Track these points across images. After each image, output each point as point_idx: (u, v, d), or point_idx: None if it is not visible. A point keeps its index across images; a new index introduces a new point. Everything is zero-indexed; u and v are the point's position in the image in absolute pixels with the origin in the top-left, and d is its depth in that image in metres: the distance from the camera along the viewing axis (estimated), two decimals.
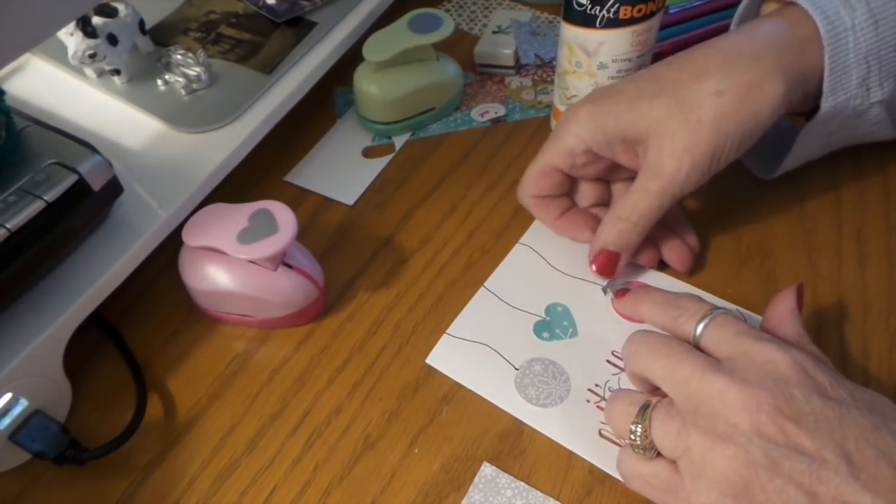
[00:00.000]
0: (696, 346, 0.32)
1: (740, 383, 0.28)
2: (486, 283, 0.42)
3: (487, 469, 0.35)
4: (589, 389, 0.37)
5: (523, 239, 0.44)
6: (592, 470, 0.35)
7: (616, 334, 0.39)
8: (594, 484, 0.34)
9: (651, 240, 0.41)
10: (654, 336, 0.33)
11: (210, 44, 0.51)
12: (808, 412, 0.28)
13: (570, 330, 0.40)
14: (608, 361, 0.38)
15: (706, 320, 0.32)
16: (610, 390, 0.37)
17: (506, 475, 0.35)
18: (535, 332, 0.40)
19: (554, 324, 0.40)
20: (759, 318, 0.40)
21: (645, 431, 0.31)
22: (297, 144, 0.51)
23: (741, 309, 0.40)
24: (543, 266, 0.43)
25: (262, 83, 0.48)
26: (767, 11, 0.42)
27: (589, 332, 0.40)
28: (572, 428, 0.36)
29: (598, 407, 0.37)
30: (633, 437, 0.31)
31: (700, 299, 0.34)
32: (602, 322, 0.40)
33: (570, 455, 0.35)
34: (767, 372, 0.29)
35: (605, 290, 0.41)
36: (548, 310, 0.41)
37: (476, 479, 0.35)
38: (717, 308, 0.33)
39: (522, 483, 0.34)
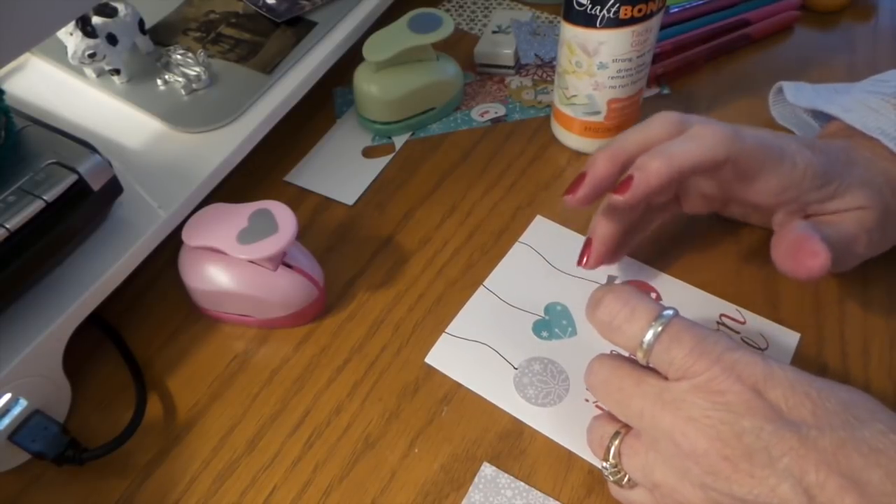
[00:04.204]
0: (646, 355, 0.30)
1: (685, 423, 0.27)
2: (485, 283, 0.42)
3: (487, 469, 0.35)
4: (588, 389, 0.37)
5: (523, 238, 0.44)
6: (592, 470, 0.35)
7: None
8: (594, 484, 0.34)
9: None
10: (605, 366, 0.31)
11: (210, 43, 0.51)
12: (761, 447, 0.26)
13: (570, 329, 0.40)
14: None
15: (654, 329, 0.29)
16: None
17: (506, 475, 0.35)
18: (535, 332, 0.40)
19: (553, 323, 0.40)
20: (760, 318, 0.40)
21: (616, 466, 0.31)
22: (297, 144, 0.51)
23: (741, 309, 0.40)
24: (543, 265, 0.43)
25: (262, 83, 0.48)
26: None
27: (588, 331, 0.39)
28: (571, 427, 0.36)
29: (598, 406, 0.37)
30: (606, 472, 0.31)
31: (632, 296, 0.31)
32: None
33: (570, 455, 0.35)
34: (716, 404, 0.27)
35: None
36: (547, 309, 0.41)
37: (476, 479, 0.35)
38: (663, 312, 0.30)
39: (522, 483, 0.34)
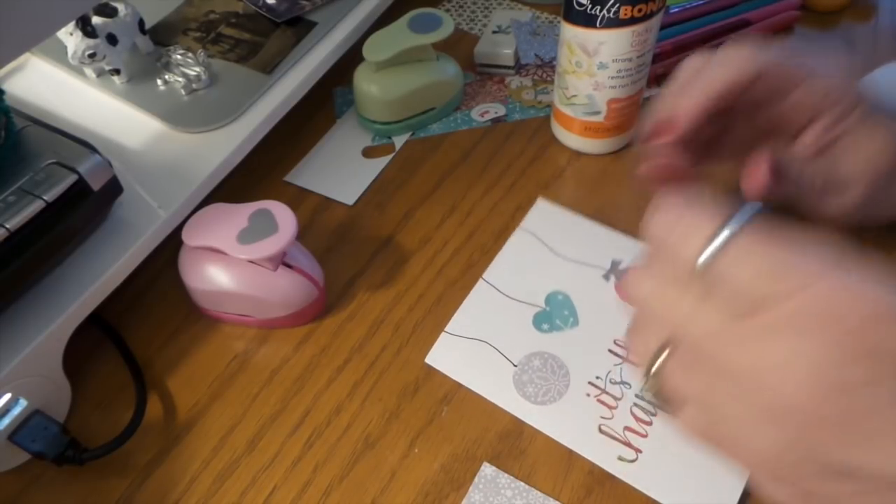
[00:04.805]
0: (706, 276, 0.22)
1: (768, 370, 0.21)
2: (484, 275, 0.42)
3: (487, 469, 0.35)
4: (589, 382, 0.37)
5: (523, 224, 0.44)
6: (592, 470, 0.35)
7: (618, 321, 0.39)
8: (594, 484, 0.34)
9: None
10: (648, 281, 0.25)
11: (210, 43, 0.51)
12: (868, 406, 0.20)
13: (571, 319, 0.40)
14: (610, 351, 0.38)
15: (717, 241, 0.22)
16: (611, 382, 0.37)
17: (506, 475, 0.35)
18: (535, 324, 0.40)
19: (554, 314, 0.40)
20: None
21: (657, 382, 0.24)
22: (297, 144, 0.51)
23: None
24: (544, 252, 0.43)
25: (262, 83, 0.48)
26: None
27: (590, 321, 0.39)
28: (572, 425, 0.36)
29: (599, 400, 0.36)
30: (644, 387, 0.25)
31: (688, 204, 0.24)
32: (604, 309, 0.40)
33: (570, 455, 0.35)
34: (810, 347, 0.20)
35: (607, 275, 0.41)
36: (548, 299, 0.41)
37: (476, 479, 0.35)
38: (734, 215, 0.22)
39: (522, 483, 0.34)
